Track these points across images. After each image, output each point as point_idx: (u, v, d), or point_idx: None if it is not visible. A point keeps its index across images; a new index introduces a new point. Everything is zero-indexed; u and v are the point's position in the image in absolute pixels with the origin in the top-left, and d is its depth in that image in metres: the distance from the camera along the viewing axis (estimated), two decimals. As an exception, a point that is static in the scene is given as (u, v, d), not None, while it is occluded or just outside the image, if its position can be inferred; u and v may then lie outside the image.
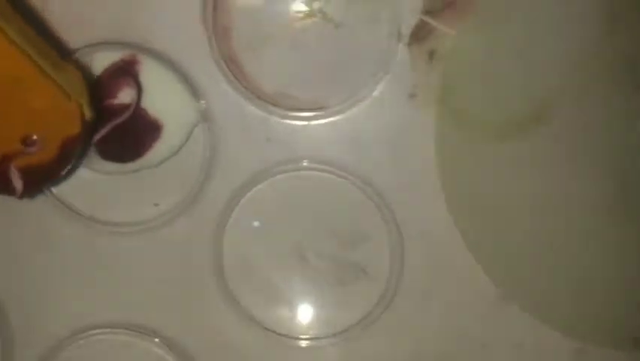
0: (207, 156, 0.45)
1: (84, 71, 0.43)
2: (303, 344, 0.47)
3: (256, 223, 0.46)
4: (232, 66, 0.45)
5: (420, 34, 0.45)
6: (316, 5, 0.44)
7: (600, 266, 0.46)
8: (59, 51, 0.42)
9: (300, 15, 0.44)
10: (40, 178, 0.41)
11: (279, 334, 0.47)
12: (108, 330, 0.46)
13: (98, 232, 0.46)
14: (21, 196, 0.41)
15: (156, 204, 0.46)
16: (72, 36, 0.44)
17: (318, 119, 0.45)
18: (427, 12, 0.44)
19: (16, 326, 0.47)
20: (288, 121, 0.45)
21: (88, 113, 0.41)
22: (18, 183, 0.40)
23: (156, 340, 0.46)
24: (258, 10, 0.44)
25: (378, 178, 0.46)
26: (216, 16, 0.44)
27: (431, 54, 0.45)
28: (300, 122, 0.45)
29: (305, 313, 0.47)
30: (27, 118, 0.39)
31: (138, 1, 0.44)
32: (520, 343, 0.46)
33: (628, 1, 0.45)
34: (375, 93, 0.45)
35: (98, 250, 0.46)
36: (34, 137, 0.40)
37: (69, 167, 0.41)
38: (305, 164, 0.46)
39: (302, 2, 0.44)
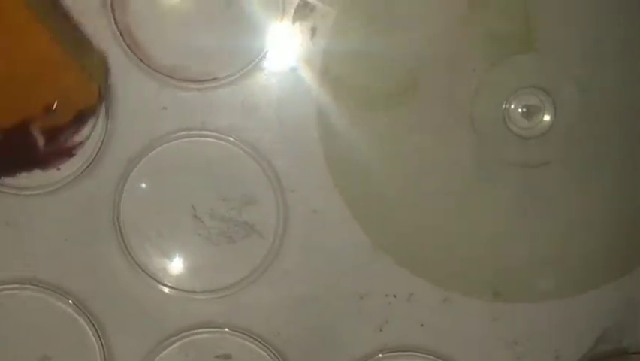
0: (106, 124, 0.48)
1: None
2: (195, 297, 0.50)
3: (149, 185, 0.49)
4: (129, 40, 0.48)
5: (302, 12, 0.49)
6: (208, -16, 0.48)
7: (467, 224, 0.51)
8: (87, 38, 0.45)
9: (194, -7, 0.48)
10: (59, 136, 0.45)
11: (174, 288, 0.50)
12: (16, 285, 0.50)
13: (4, 195, 0.49)
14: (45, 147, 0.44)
15: (58, 169, 0.49)
16: None
17: (210, 90, 0.49)
18: (309, -8, 0.48)
19: None
20: (182, 92, 0.49)
21: (105, 87, 0.45)
22: (40, 140, 0.44)
23: (57, 293, 0.50)
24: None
25: (265, 144, 0.49)
26: (113, -7, 0.47)
27: (313, 31, 0.49)
28: (194, 92, 0.49)
29: (197, 269, 0.50)
30: (51, 90, 0.43)
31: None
32: (394, 293, 0.51)
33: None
34: (263, 66, 0.49)
35: (5, 210, 0.49)
36: (54, 106, 0.43)
37: (80, 130, 0.45)
38: (198, 131, 0.49)
39: (195, -20, 0.48)
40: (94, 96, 0.45)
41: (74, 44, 0.43)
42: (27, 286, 0.50)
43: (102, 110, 0.48)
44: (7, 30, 0.40)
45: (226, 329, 0.51)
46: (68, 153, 0.47)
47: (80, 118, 0.45)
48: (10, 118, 0.43)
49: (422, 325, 0.51)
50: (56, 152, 0.46)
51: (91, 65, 0.45)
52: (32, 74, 0.42)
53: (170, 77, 0.48)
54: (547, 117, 0.49)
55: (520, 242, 0.51)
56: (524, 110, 0.49)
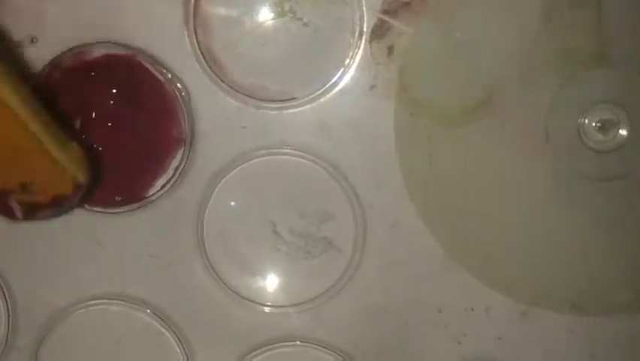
0: (189, 143, 0.50)
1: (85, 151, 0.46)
2: (275, 311, 0.52)
3: (233, 203, 0.51)
4: (210, 61, 0.49)
5: (379, 31, 0.49)
6: (287, 6, 0.49)
7: (543, 237, 0.51)
8: (65, 130, 0.45)
9: (273, 15, 0.49)
10: (37, 213, 0.45)
11: (255, 302, 0.52)
12: (105, 300, 0.51)
13: (92, 215, 0.50)
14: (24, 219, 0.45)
15: (146, 189, 0.50)
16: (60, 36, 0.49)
17: (289, 109, 0.50)
18: (386, 11, 0.49)
19: (21, 297, 0.52)
20: (262, 110, 0.50)
21: (83, 181, 0.45)
22: (18, 212, 0.45)
23: (147, 310, 0.51)
24: (234, 11, 0.49)
25: (343, 161, 0.50)
26: (197, 17, 0.49)
27: (390, 50, 0.50)
28: (273, 111, 0.50)
29: (277, 284, 0.52)
30: (26, 172, 0.43)
31: (126, 3, 0.49)
32: (472, 306, 0.51)
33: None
34: (340, 85, 0.50)
35: (94, 231, 0.51)
36: (31, 184, 0.44)
37: (62, 212, 0.46)
38: (277, 149, 0.50)
39: (274, 3, 0.49)
40: (67, 187, 0.45)
41: (51, 137, 0.43)
42: (115, 301, 0.51)
43: (187, 133, 0.49)
44: None
45: (306, 343, 0.51)
46: None
47: (57, 202, 0.45)
48: None
49: (500, 338, 0.51)
50: None
51: (66, 159, 0.44)
52: (6, 155, 0.42)
53: (250, 96, 0.50)
54: (622, 131, 0.49)
55: (597, 255, 0.51)
56: (599, 124, 0.49)
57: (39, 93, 0.43)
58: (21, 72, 0.43)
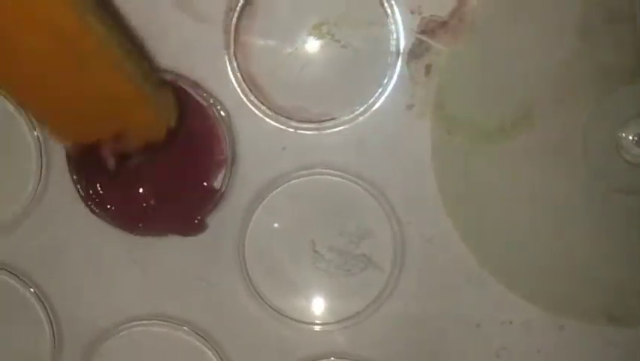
0: (230, 165, 0.50)
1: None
2: (317, 328, 0.52)
3: (275, 225, 0.51)
4: (250, 84, 0.50)
5: (417, 51, 0.50)
6: (325, 29, 0.49)
7: (576, 250, 0.52)
8: (159, 78, 0.47)
9: (311, 37, 0.49)
10: (129, 161, 0.46)
11: (296, 320, 0.52)
12: (146, 322, 0.52)
13: (137, 236, 0.51)
14: (113, 175, 0.46)
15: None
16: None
17: (328, 129, 0.50)
18: (423, 32, 0.49)
19: (64, 320, 0.52)
20: (301, 131, 0.50)
21: (174, 125, 0.46)
22: (110, 161, 0.45)
23: (185, 328, 0.52)
24: (274, 35, 0.49)
25: (381, 180, 0.51)
26: (237, 41, 0.49)
27: (427, 69, 0.50)
28: (312, 132, 0.50)
29: (318, 302, 0.52)
30: (121, 122, 0.44)
31: (169, 28, 0.49)
32: (510, 320, 0.52)
33: (599, 15, 0.49)
34: (378, 105, 0.50)
35: (135, 253, 0.52)
36: (125, 133, 0.44)
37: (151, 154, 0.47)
38: (317, 169, 0.51)
39: (313, 26, 0.49)
40: (161, 133, 0.46)
41: (145, 80, 0.44)
42: (156, 321, 0.52)
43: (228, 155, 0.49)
44: (78, 63, 0.40)
45: (345, 359, 0.52)
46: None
47: (150, 148, 0.46)
48: (82, 139, 0.45)
49: (538, 351, 0.52)
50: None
51: (160, 102, 0.46)
52: (102, 104, 0.43)
53: (289, 118, 0.50)
54: (660, 146, 0.50)
55: (632, 266, 0.51)
56: (637, 138, 0.50)
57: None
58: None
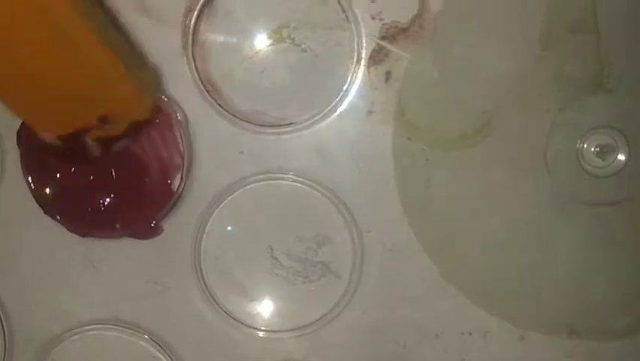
0: (187, 169, 0.49)
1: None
2: (273, 336, 0.51)
3: (229, 228, 0.51)
4: (208, 86, 0.49)
5: (377, 57, 0.49)
6: (285, 33, 0.49)
7: (538, 261, 0.51)
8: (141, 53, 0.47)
9: (271, 41, 0.49)
10: (112, 146, 0.47)
11: (252, 327, 0.51)
12: (99, 326, 0.51)
13: (90, 240, 0.50)
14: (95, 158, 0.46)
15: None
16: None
17: (287, 134, 0.50)
18: (384, 37, 0.49)
19: (17, 323, 0.52)
20: (260, 135, 0.50)
21: (155, 104, 0.47)
22: (95, 149, 0.46)
23: (144, 335, 0.51)
24: (233, 38, 0.49)
25: (341, 186, 0.50)
26: (195, 43, 0.48)
27: (388, 74, 0.50)
28: (271, 136, 0.50)
29: (275, 308, 0.51)
30: (107, 103, 0.44)
31: (129, 30, 0.49)
32: (470, 331, 0.51)
33: (561, 25, 0.49)
34: (338, 110, 0.50)
35: (89, 255, 0.51)
36: (111, 116, 0.44)
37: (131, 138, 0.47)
38: (276, 174, 0.50)
39: (273, 30, 0.49)
40: (147, 109, 0.46)
41: (130, 58, 0.44)
42: (110, 326, 0.51)
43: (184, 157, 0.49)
44: (65, 43, 0.40)
45: (303, 367, 0.51)
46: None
47: (134, 128, 0.46)
48: (68, 127, 0.44)
49: (497, 362, 0.51)
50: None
51: (145, 79, 0.46)
52: (89, 85, 0.43)
53: (248, 121, 0.49)
54: (621, 157, 0.49)
55: (595, 280, 0.51)
56: (598, 149, 0.49)
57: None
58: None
